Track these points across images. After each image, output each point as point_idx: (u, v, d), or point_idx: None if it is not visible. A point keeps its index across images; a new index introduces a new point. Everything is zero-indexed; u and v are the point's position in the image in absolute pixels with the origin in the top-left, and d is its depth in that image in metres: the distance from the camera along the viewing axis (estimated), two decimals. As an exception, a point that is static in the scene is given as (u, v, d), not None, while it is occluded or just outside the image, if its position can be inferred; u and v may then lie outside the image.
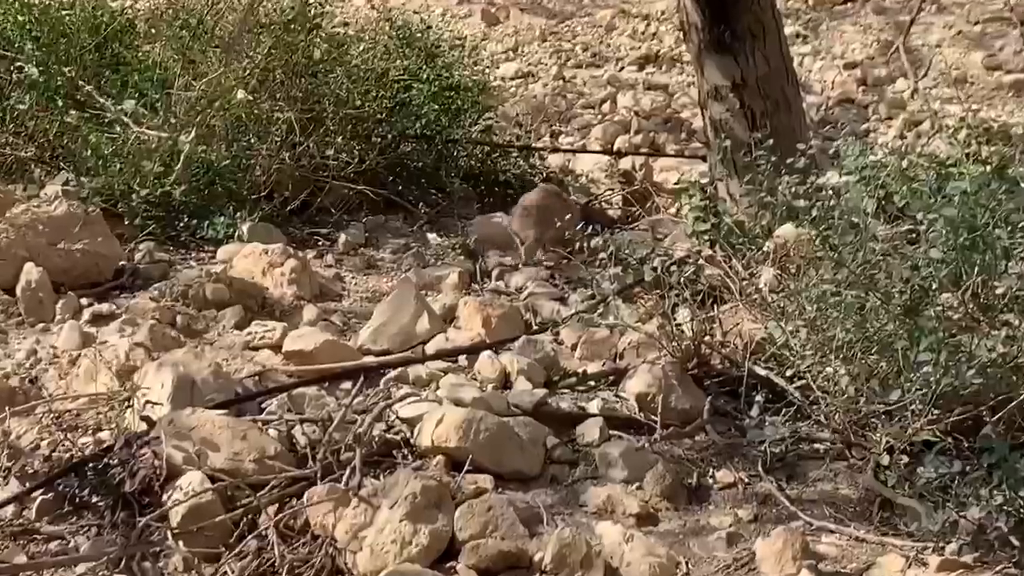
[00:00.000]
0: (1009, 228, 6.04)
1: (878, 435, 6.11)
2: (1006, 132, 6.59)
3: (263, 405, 6.44)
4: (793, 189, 7.07)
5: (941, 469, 5.66)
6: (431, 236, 9.08)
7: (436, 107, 9.56)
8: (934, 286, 6.20)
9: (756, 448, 6.36)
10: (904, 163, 7.14)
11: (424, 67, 9.59)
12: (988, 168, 6.31)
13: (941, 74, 12.70)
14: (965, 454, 5.91)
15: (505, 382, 6.83)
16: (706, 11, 9.32)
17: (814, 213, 6.84)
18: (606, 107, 12.16)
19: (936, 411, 6.03)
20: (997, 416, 5.92)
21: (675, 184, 8.98)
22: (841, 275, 6.41)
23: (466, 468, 5.91)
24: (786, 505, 5.97)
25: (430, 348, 7.15)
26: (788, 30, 13.38)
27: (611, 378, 6.94)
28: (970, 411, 6.00)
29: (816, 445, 6.47)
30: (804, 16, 13.97)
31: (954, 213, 6.06)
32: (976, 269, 6.07)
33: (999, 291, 5.94)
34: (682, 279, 7.24)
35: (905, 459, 5.91)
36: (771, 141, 7.52)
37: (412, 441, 6.20)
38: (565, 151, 10.93)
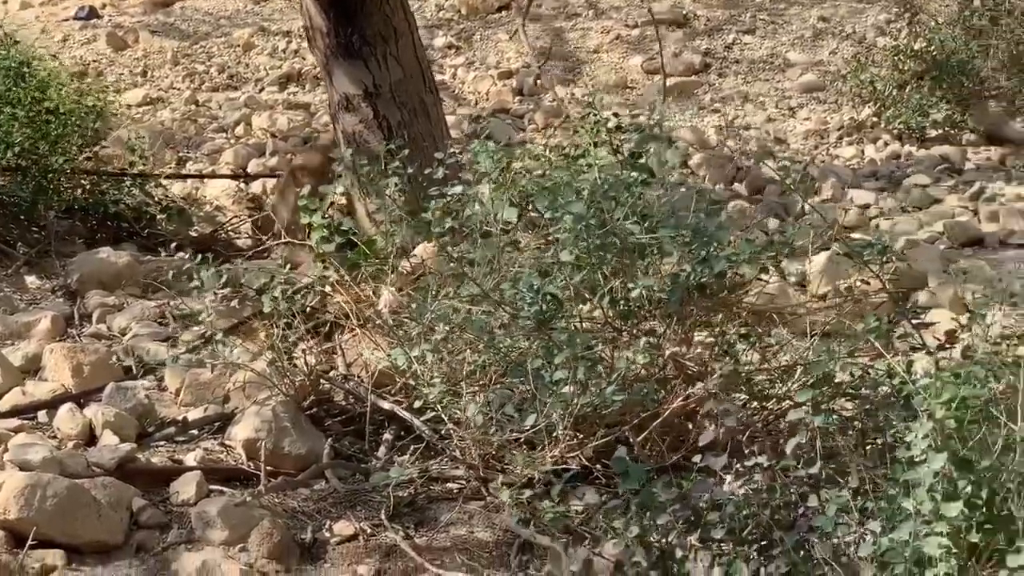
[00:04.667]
0: (645, 222, 5.33)
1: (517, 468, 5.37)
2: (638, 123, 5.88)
3: None
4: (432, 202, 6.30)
5: (577, 500, 4.91)
6: (29, 279, 8.01)
7: (31, 133, 8.45)
8: (567, 294, 5.48)
9: (382, 493, 5.52)
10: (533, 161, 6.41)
11: (14, 88, 8.49)
12: (619, 158, 5.59)
13: (593, 80, 12.13)
14: (616, 481, 5.19)
15: (91, 438, 5.86)
16: (331, 13, 8.55)
17: (446, 225, 6.14)
18: (240, 130, 11.22)
19: (581, 435, 5.33)
20: (642, 436, 5.25)
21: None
22: (468, 290, 5.66)
23: (30, 543, 5.01)
24: (412, 556, 5.17)
25: (4, 404, 6.13)
26: (440, 41, 12.77)
27: (216, 424, 6.05)
28: (615, 432, 5.31)
29: (450, 484, 5.69)
30: (457, 26, 13.27)
31: (582, 209, 5.32)
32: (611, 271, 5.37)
33: (633, 295, 5.22)
34: (306, 308, 6.43)
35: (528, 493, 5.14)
36: (408, 152, 6.72)
37: (-31, 516, 5.21)
38: (184, 177, 9.91)
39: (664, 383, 5.53)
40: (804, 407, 4.49)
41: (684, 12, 13.10)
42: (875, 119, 10.93)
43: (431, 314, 5.70)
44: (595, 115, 5.76)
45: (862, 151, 10.58)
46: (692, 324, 5.54)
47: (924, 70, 10.81)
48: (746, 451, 4.57)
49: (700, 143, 10.57)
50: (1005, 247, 8.72)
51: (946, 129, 10.73)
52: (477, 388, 5.61)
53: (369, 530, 5.41)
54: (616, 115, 5.88)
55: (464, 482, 5.67)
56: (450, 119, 10.71)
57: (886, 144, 10.58)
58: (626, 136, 5.68)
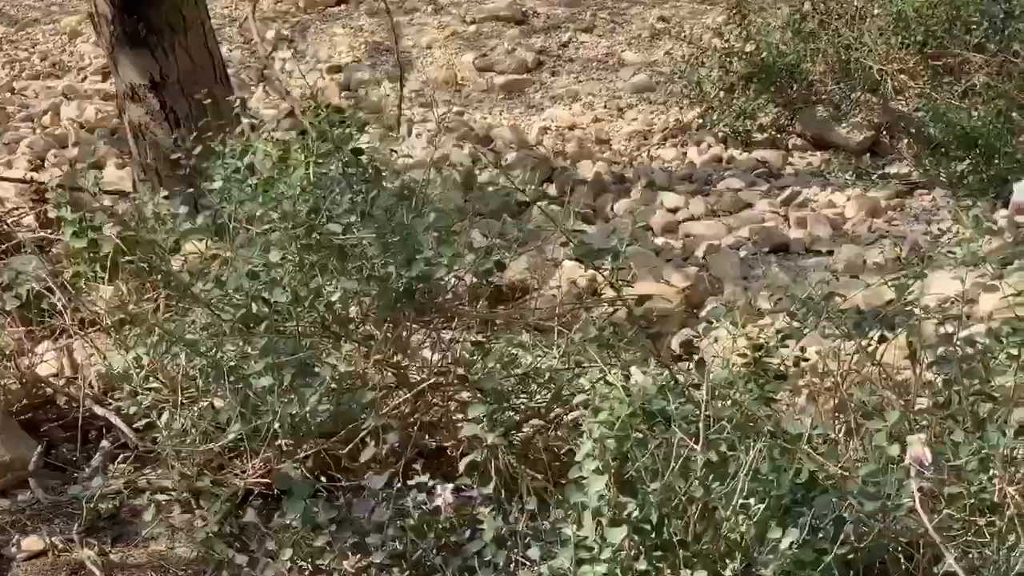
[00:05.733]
0: (354, 220, 5.01)
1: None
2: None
3: None
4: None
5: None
6: None
7: None
8: (286, 297, 5.16)
9: (87, 505, 5.20)
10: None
11: None
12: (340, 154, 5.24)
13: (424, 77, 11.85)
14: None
15: None
16: (115, 0, 8.21)
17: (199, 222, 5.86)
18: (48, 119, 10.81)
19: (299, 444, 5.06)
20: (349, 448, 4.96)
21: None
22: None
23: None
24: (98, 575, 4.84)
25: None
26: (272, 34, 12.42)
27: (-81, 430, 5.69)
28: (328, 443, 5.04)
29: (160, 496, 5.34)
30: (293, 19, 12.93)
31: (289, 207, 5.03)
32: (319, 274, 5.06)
33: (333, 299, 4.92)
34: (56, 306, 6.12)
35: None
36: (197, 146, 6.39)
37: None
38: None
39: (386, 391, 5.24)
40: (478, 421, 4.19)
41: (524, 9, 12.82)
42: (700, 121, 10.69)
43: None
44: (316, 107, 5.44)
45: (684, 153, 10.33)
46: (407, 330, 5.24)
47: (752, 73, 10.57)
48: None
49: (519, 142, 10.28)
50: (809, 254, 8.50)
51: (772, 133, 10.51)
52: (196, 394, 5.33)
53: (61, 545, 5.10)
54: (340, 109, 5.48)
55: (174, 493, 5.35)
56: (270, 113, 10.39)
57: (709, 147, 10.34)
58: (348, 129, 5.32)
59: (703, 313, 7.15)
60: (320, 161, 5.12)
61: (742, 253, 8.42)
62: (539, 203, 8.87)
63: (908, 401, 4.75)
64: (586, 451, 3.76)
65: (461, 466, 4.17)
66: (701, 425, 3.92)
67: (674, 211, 9.19)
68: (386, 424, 4.52)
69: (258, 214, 5.20)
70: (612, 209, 9.23)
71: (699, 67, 10.87)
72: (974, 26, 10.20)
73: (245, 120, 6.70)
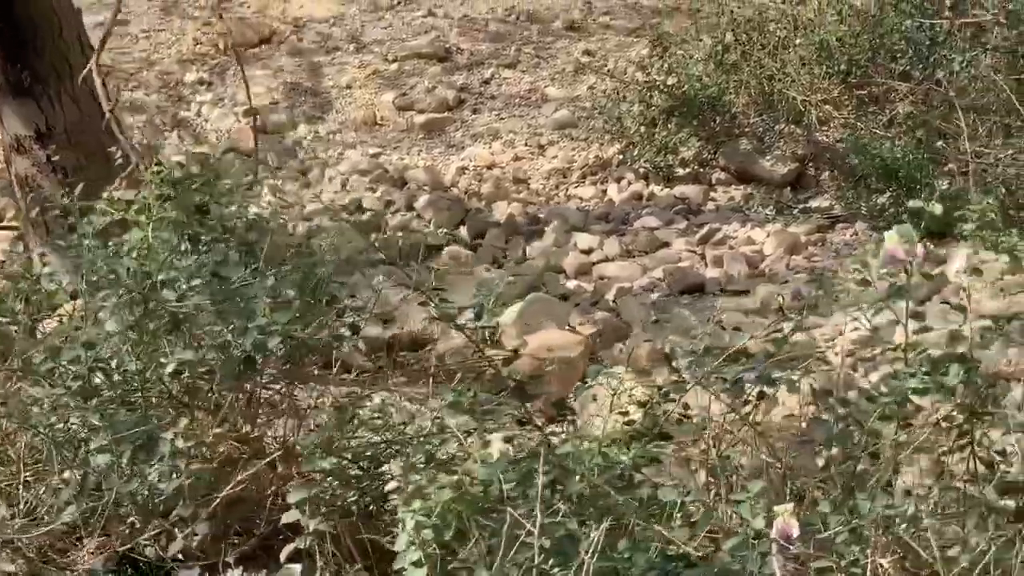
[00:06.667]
0: (196, 284, 4.71)
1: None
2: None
3: None
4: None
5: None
6: None
7: None
8: (135, 367, 4.86)
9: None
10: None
11: None
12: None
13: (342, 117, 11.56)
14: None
15: None
16: (-3, 48, 7.94)
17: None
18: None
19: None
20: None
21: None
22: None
23: None
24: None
25: None
26: (191, 76, 12.12)
27: None
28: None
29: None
30: (211, 61, 12.62)
31: (124, 272, 4.73)
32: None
33: (167, 370, 4.61)
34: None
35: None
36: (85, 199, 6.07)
37: None
38: None
39: (235, 464, 4.92)
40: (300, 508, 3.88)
41: (447, 46, 12.53)
42: (621, 157, 10.39)
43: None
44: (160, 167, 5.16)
45: (604, 191, 10.05)
46: (257, 399, 4.93)
47: (674, 106, 10.29)
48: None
49: (434, 184, 10.00)
50: (724, 294, 8.21)
51: (695, 167, 10.23)
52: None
53: None
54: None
55: (22, 578, 5.03)
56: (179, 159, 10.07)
57: (629, 183, 10.05)
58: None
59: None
60: (158, 223, 4.81)
61: (654, 295, 8.13)
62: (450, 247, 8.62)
63: (784, 463, 4.47)
64: (404, 542, 3.44)
65: (282, 556, 3.87)
66: (538, 507, 3.62)
67: (588, 252, 8.90)
68: (194, 512, 4.21)
69: (95, 280, 4.88)
70: (524, 252, 8.95)
71: (620, 102, 10.58)
72: (899, 54, 9.95)
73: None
